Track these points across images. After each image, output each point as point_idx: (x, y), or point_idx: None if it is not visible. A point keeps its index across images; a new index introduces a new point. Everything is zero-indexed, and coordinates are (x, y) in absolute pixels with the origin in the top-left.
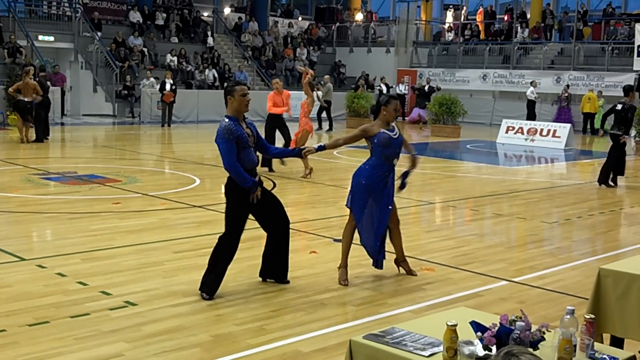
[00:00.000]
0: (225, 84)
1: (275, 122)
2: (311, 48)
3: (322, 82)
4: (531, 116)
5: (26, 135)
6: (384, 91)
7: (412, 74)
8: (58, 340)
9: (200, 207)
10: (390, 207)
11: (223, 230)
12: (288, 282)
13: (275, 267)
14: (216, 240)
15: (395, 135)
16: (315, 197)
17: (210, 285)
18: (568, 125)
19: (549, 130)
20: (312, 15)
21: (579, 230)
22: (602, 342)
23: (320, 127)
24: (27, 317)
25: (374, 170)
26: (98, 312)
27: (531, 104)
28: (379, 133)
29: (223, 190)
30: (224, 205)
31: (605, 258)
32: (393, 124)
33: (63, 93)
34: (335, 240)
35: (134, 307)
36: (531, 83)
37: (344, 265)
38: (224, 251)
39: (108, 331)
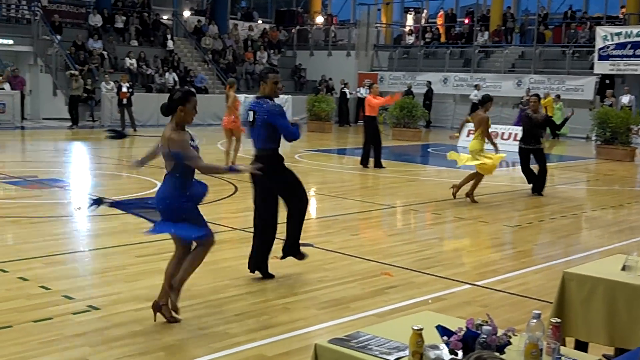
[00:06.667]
0: (262, 68)
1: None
2: (272, 51)
3: (74, 76)
4: None
5: None
6: (347, 95)
7: (372, 77)
8: (21, 345)
9: None
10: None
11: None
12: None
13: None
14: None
15: None
16: None
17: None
18: None
19: (510, 134)
20: (272, 19)
21: (540, 234)
22: (565, 346)
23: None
24: None
25: None
26: (61, 316)
27: (475, 108)
28: None
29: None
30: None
31: (566, 262)
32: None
33: (23, 97)
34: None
35: (97, 311)
36: (475, 86)
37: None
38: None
39: (71, 335)
